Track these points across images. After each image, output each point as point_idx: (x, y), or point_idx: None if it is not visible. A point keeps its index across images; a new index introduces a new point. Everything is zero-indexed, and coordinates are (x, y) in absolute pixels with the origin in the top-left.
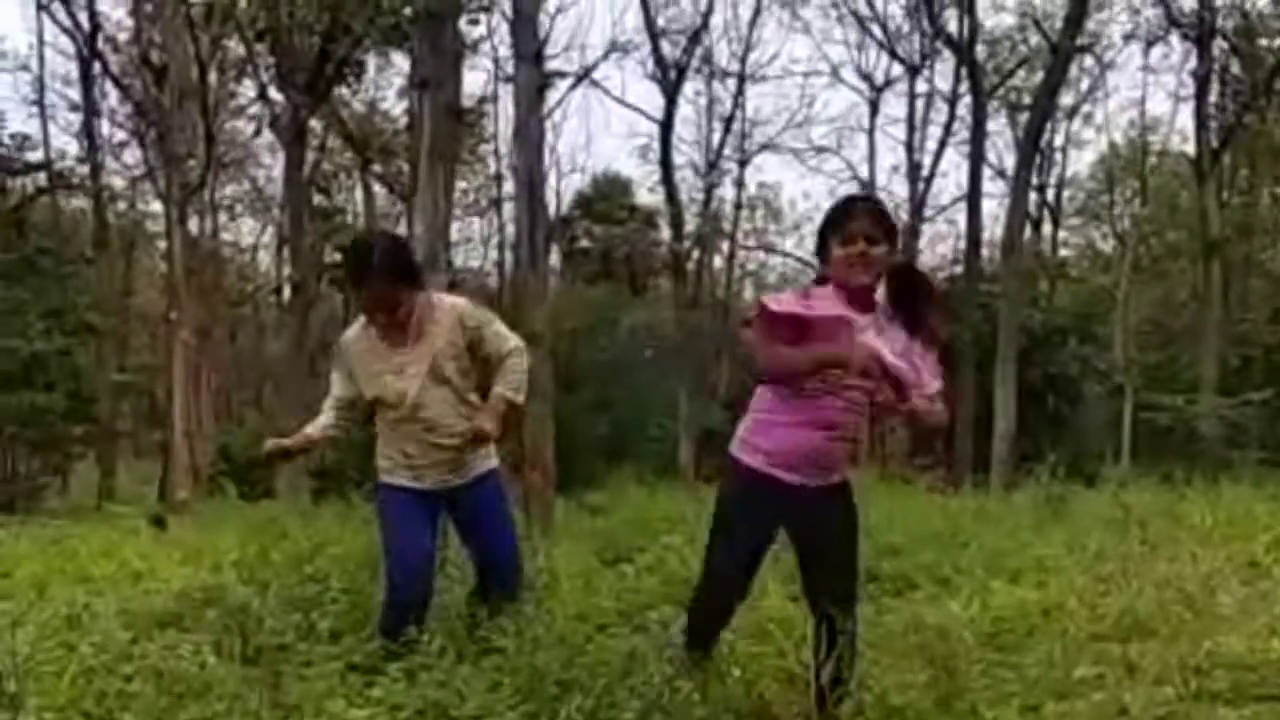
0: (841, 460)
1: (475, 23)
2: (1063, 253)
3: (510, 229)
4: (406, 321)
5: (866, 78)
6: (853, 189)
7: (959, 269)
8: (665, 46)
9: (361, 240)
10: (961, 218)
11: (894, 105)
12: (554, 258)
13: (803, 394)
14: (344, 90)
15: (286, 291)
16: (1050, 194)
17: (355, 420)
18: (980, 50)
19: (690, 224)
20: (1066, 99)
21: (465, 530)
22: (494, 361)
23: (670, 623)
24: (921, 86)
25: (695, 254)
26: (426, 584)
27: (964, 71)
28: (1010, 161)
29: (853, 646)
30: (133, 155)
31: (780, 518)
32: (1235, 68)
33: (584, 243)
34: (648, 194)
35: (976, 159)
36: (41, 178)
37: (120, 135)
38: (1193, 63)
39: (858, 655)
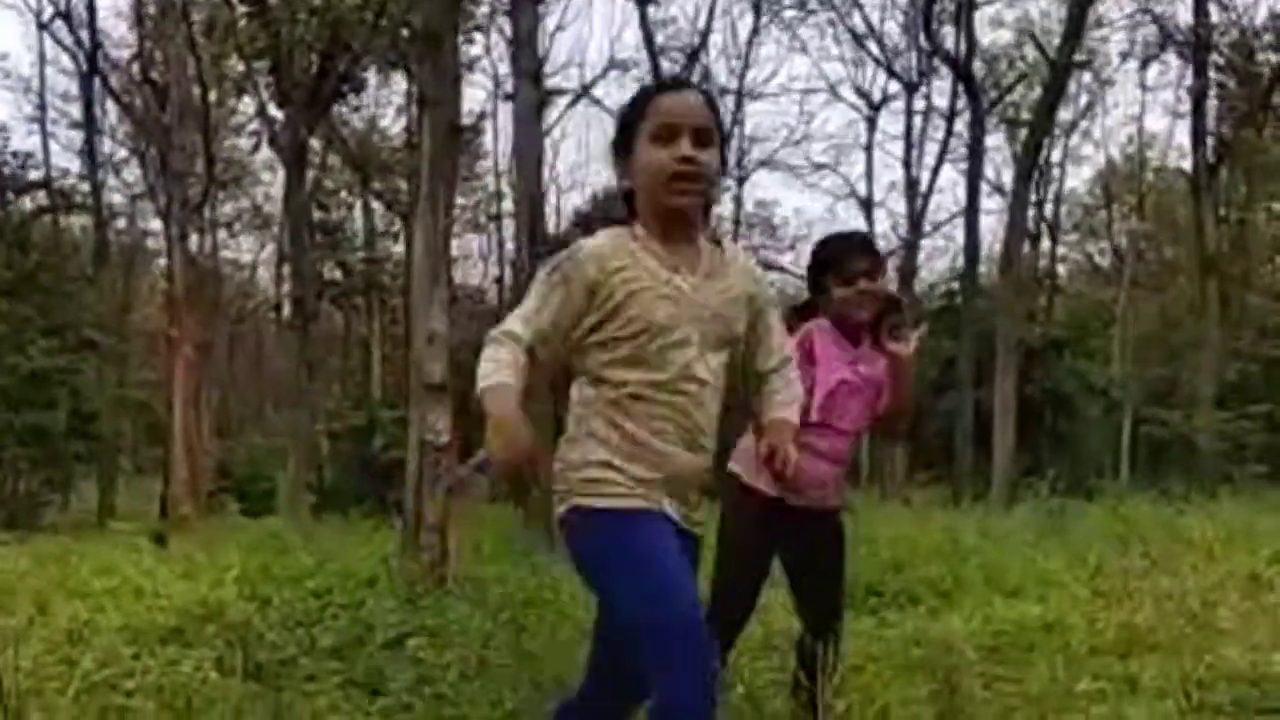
0: (838, 483)
1: (471, 42)
2: (1061, 268)
3: (510, 245)
4: (695, 233)
5: (864, 95)
6: (851, 205)
7: (957, 284)
8: (664, 64)
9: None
10: (959, 233)
11: (892, 122)
12: None
13: (806, 427)
14: (343, 108)
15: (286, 308)
16: (1048, 209)
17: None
18: (978, 67)
19: None
20: (1064, 115)
21: None
22: (755, 367)
23: None
24: (919, 103)
25: None
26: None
27: (961, 88)
28: (1008, 177)
29: (838, 660)
30: (133, 173)
31: (783, 538)
32: (1232, 84)
33: None
34: None
35: (974, 175)
36: (42, 195)
37: (121, 153)
38: (1189, 79)
39: (845, 669)
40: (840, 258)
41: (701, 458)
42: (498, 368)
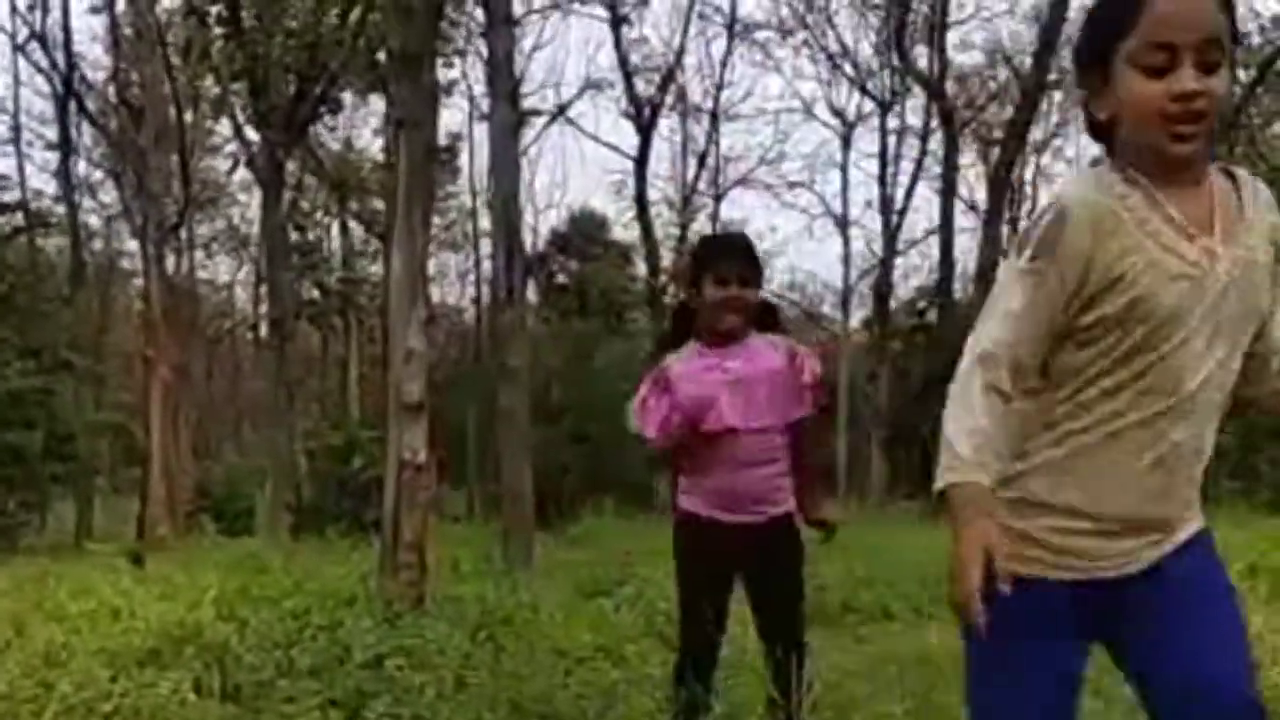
0: (779, 492)
1: (450, 66)
2: None
3: (487, 265)
4: (1201, 173)
5: (839, 114)
6: (826, 224)
7: (932, 302)
8: (639, 84)
9: None
10: (934, 251)
11: (866, 140)
12: (531, 293)
13: (710, 437)
14: (320, 129)
15: (263, 329)
16: (1021, 227)
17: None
18: (950, 86)
19: (666, 259)
20: (1037, 133)
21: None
22: (1270, 337)
23: (649, 655)
24: (893, 122)
25: (671, 289)
26: None
27: (934, 107)
28: (982, 195)
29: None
30: (109, 194)
31: (732, 557)
32: None
33: (561, 279)
34: (623, 230)
35: (948, 193)
36: (18, 217)
37: (97, 174)
38: None
39: (818, 684)
40: (715, 258)
41: (1183, 491)
42: (976, 441)
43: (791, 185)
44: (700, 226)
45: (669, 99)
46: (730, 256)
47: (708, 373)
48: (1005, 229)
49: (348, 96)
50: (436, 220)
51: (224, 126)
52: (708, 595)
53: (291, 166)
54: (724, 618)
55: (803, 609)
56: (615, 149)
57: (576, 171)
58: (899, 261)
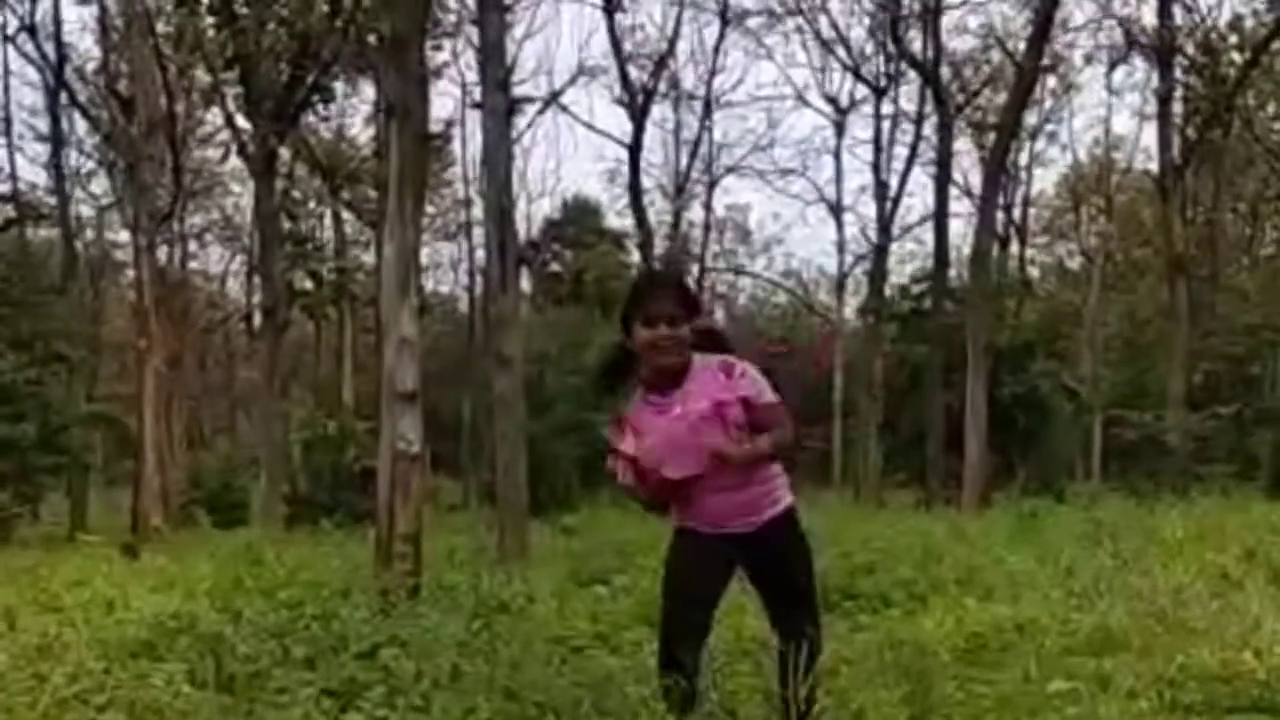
0: (767, 498)
1: (439, 48)
2: (1030, 270)
3: (480, 253)
4: None
5: (832, 100)
6: (820, 210)
7: (926, 288)
8: (632, 71)
9: None
10: (929, 237)
11: (860, 127)
12: (524, 282)
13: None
14: (312, 118)
15: (256, 318)
16: (1016, 212)
17: None
18: (945, 71)
19: (659, 246)
20: (1031, 118)
21: None
22: None
23: (645, 643)
24: (887, 108)
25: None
26: None
27: (929, 92)
28: (976, 180)
29: (812, 666)
30: (100, 185)
31: (732, 559)
32: (1198, 85)
33: (554, 266)
34: (616, 217)
35: (943, 178)
36: (9, 209)
37: (88, 165)
38: (1156, 82)
39: (819, 673)
40: (643, 299)
41: None
42: None
43: (784, 172)
44: (694, 215)
45: (662, 86)
46: (657, 297)
47: (658, 418)
48: (1000, 214)
49: (339, 85)
50: (429, 209)
51: (215, 116)
52: (693, 595)
53: (284, 155)
54: (711, 614)
55: (814, 599)
56: (608, 136)
57: (569, 159)
58: (893, 247)
